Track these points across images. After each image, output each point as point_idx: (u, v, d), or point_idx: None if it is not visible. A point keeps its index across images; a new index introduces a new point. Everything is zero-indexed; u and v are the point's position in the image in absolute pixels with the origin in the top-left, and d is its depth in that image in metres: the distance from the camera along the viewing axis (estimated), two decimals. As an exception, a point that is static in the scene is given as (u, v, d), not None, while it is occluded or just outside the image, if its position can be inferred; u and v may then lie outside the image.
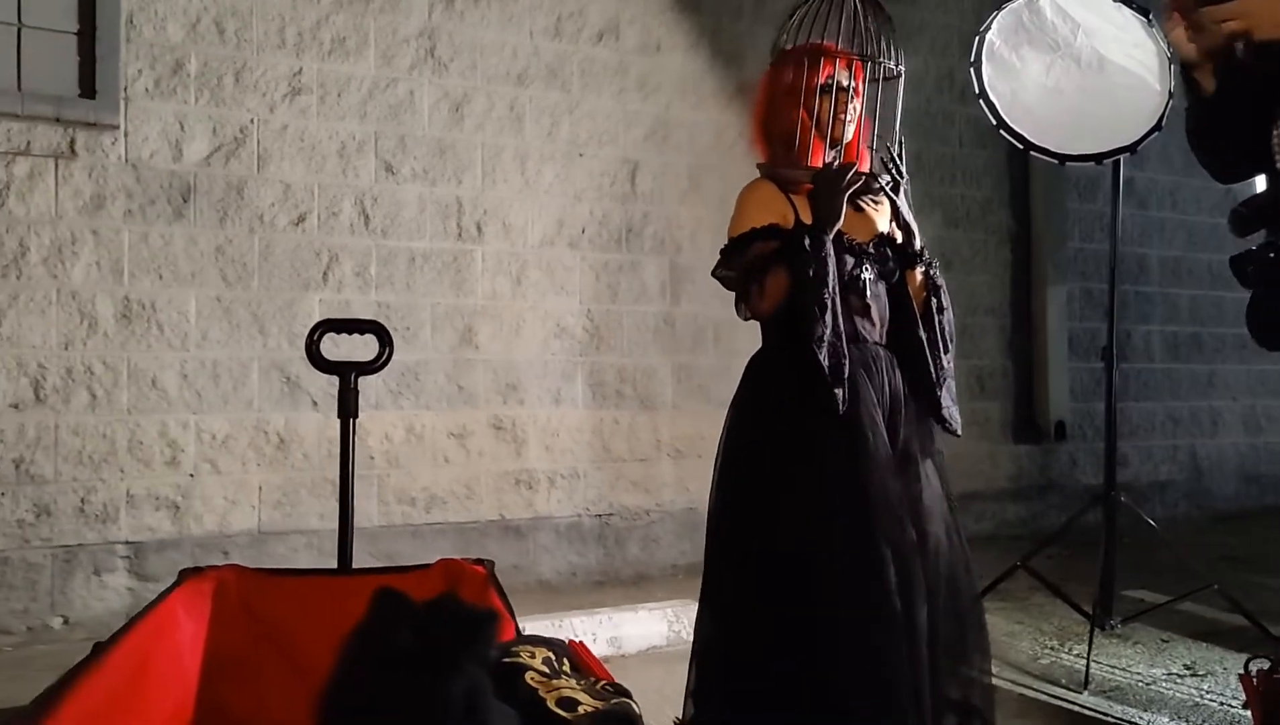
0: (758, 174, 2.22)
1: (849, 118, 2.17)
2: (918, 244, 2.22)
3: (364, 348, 2.17)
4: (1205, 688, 3.15)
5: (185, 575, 1.63)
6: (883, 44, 2.22)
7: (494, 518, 4.28)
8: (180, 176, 3.77)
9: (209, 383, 3.81)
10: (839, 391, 2.01)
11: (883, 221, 2.23)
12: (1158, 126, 3.30)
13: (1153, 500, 5.66)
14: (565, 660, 1.35)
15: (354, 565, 2.03)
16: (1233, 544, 5.31)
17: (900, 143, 2.25)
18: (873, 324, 2.17)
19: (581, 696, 1.20)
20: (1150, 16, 3.19)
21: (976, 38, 3.42)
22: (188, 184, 3.79)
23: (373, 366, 2.00)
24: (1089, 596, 3.63)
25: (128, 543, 3.68)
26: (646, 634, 3.43)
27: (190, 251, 3.79)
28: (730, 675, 2.08)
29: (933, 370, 2.16)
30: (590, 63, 4.51)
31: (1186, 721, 2.86)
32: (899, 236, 2.22)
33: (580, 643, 1.62)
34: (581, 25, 4.49)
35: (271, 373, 3.90)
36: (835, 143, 2.17)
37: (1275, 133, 1.71)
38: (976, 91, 3.44)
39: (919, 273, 2.22)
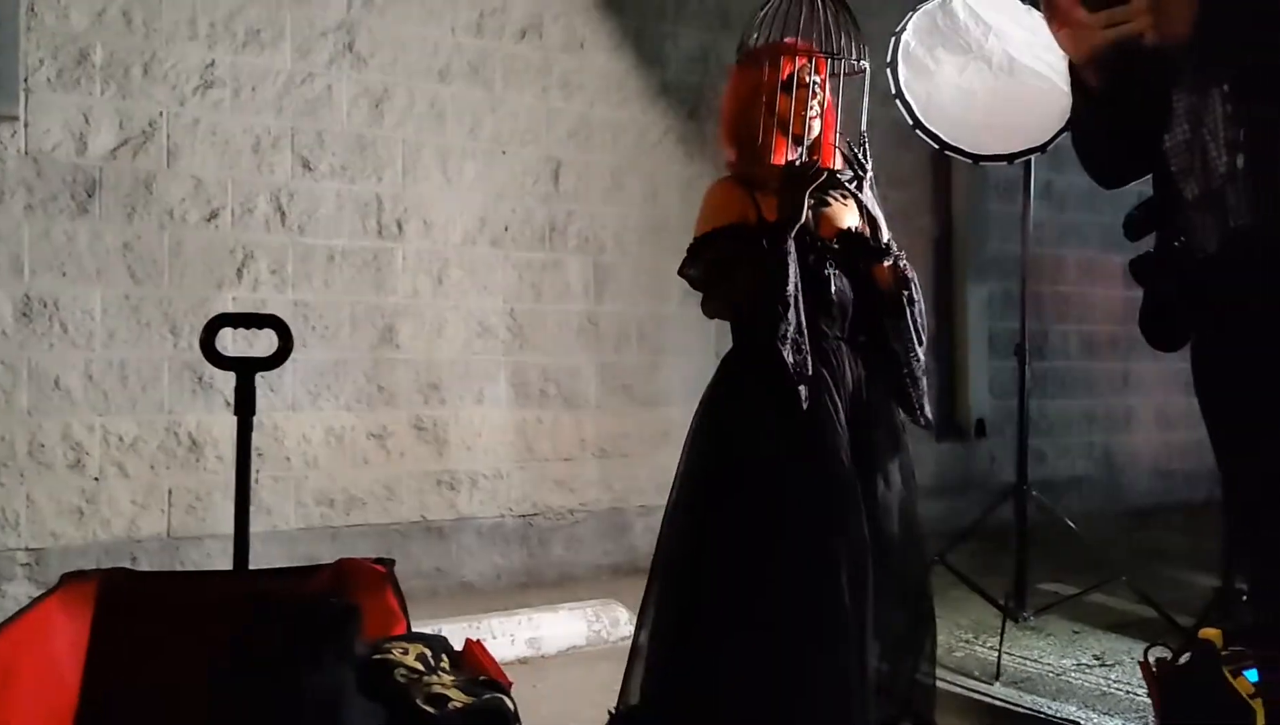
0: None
1: (813, 114, 2.20)
2: (884, 237, 2.23)
3: (268, 344, 2.12)
4: (1113, 677, 3.23)
5: (66, 579, 1.57)
6: (845, 40, 2.25)
7: (416, 519, 4.22)
8: (85, 170, 3.66)
9: (116, 383, 3.69)
10: (801, 389, 2.03)
11: (849, 217, 2.25)
12: (1066, 127, 3.36)
13: (1069, 495, 5.77)
14: (443, 657, 1.33)
15: (250, 548, 1.96)
16: (1144, 538, 5.45)
17: (864, 137, 2.27)
18: (834, 320, 2.18)
19: (453, 693, 1.18)
20: (1058, 20, 3.24)
21: (892, 39, 3.46)
22: (93, 178, 3.67)
23: (272, 362, 1.95)
24: (1004, 590, 3.70)
25: (29, 549, 3.55)
26: (567, 634, 3.41)
27: (95, 248, 3.67)
28: (679, 669, 2.08)
29: (904, 364, 2.18)
30: (513, 60, 4.48)
31: (1093, 710, 2.92)
32: (866, 231, 2.23)
33: (478, 641, 1.60)
34: (504, 22, 4.45)
35: (184, 373, 3.80)
36: (800, 140, 2.20)
37: (1166, 136, 1.73)
38: (893, 92, 3.48)
39: (887, 266, 2.22)
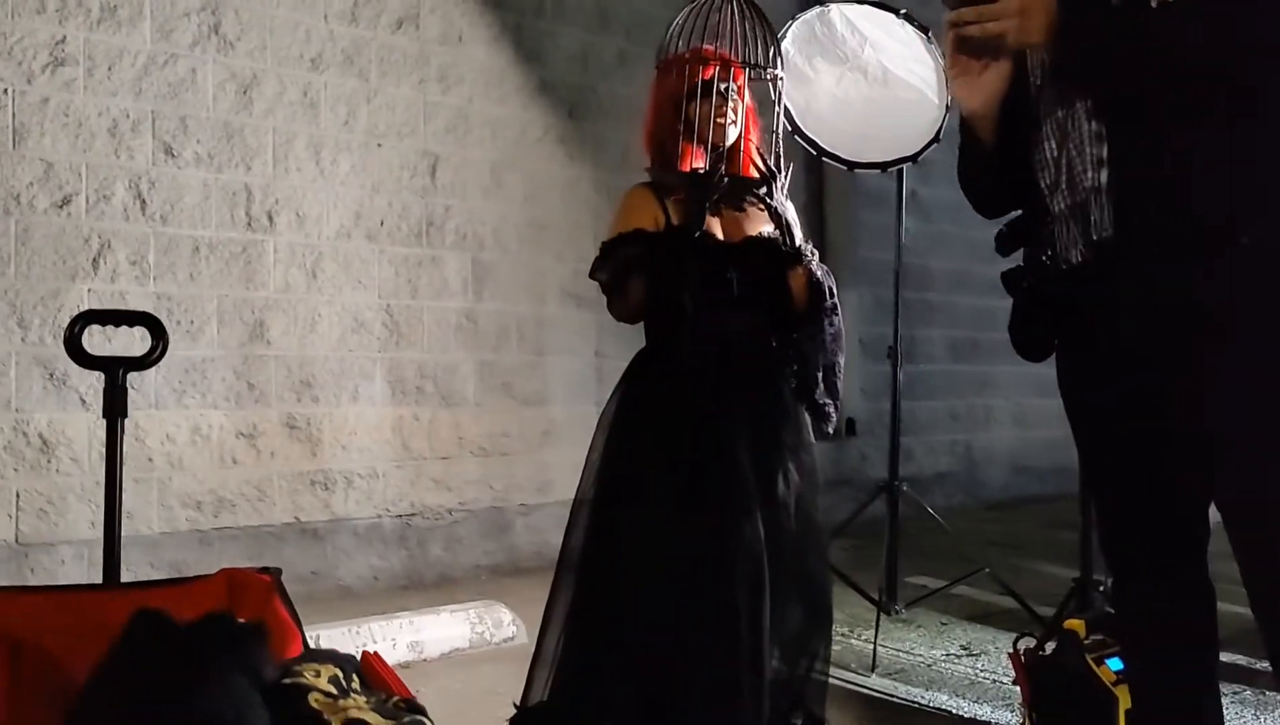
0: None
1: (727, 121, 2.21)
2: (798, 243, 2.24)
3: (136, 341, 2.00)
4: (980, 666, 3.36)
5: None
6: (760, 47, 2.28)
7: (289, 520, 4.08)
8: (-78, 152, 3.39)
9: (-43, 381, 3.44)
10: (699, 391, 2.07)
11: (761, 222, 2.26)
12: (936, 138, 3.49)
13: (934, 491, 6.00)
14: (354, 677, 1.28)
15: (130, 578, 1.87)
16: (1003, 530, 5.72)
17: (777, 143, 2.30)
18: (739, 324, 2.20)
19: (371, 717, 1.13)
20: (930, 34, 3.37)
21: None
22: (-69, 160, 3.41)
23: (145, 361, 1.84)
24: (877, 584, 3.81)
25: None
26: (449, 636, 3.35)
27: (-66, 235, 3.41)
28: (585, 669, 2.08)
29: (813, 369, 2.20)
30: (389, 51, 4.37)
31: (963, 699, 3.04)
32: (778, 237, 2.25)
33: (375, 653, 1.54)
34: (380, 10, 4.33)
35: (33, 369, 3.56)
36: (716, 146, 2.21)
37: (1035, 153, 1.80)
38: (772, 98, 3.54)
39: (800, 272, 2.24)
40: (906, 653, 3.50)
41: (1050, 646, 2.52)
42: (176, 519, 3.83)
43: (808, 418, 2.26)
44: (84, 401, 3.62)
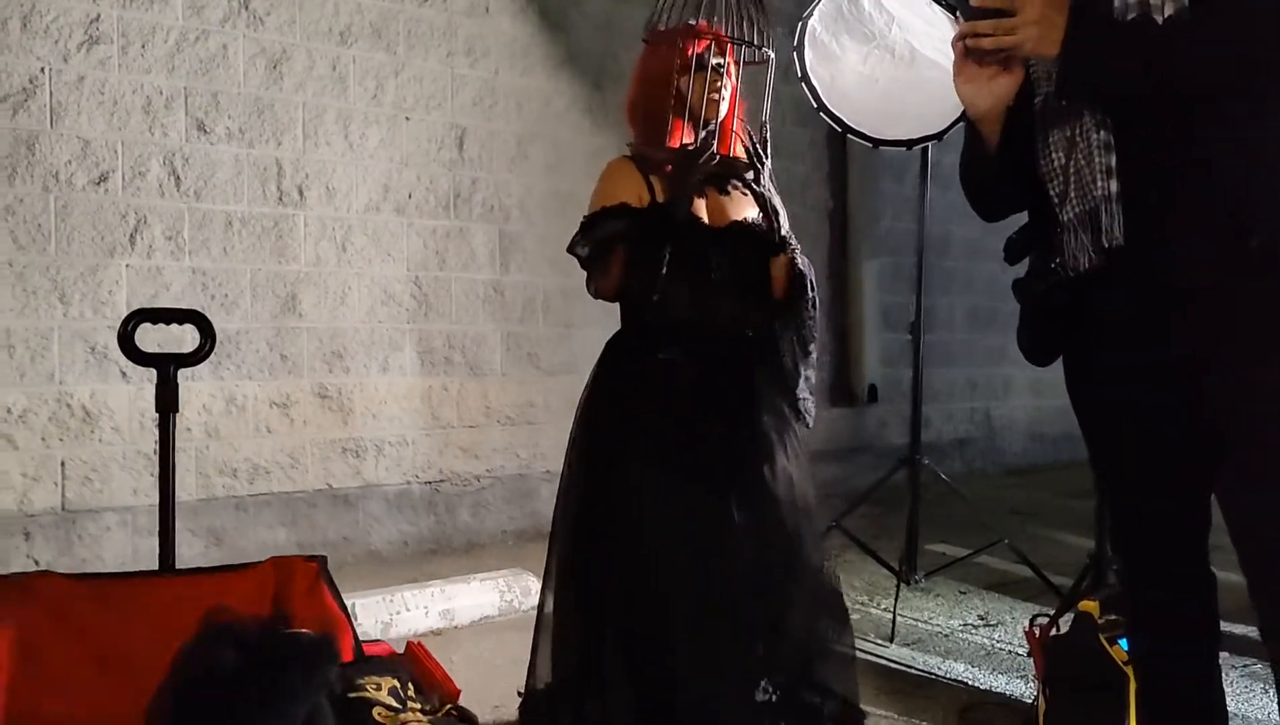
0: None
1: (719, 97, 2.14)
2: (782, 231, 2.19)
3: (183, 334, 2.08)
4: (996, 636, 3.44)
5: (-10, 584, 1.54)
6: (752, 26, 2.22)
7: (321, 487, 4.19)
8: (-37, 130, 3.47)
9: (2, 354, 3.54)
10: (672, 378, 2.07)
11: (746, 207, 2.21)
12: (962, 117, 3.49)
13: (952, 457, 6.07)
14: (410, 684, 1.35)
15: (175, 543, 1.95)
16: (1021, 498, 5.78)
17: (766, 127, 2.24)
18: (724, 309, 2.16)
19: (430, 730, 1.21)
20: (957, 14, 3.37)
21: (800, 23, 3.53)
22: (-28, 138, 3.48)
23: (194, 358, 1.92)
24: (896, 552, 3.89)
25: (-88, 528, 3.41)
26: (479, 604, 3.45)
27: (-23, 212, 3.49)
28: (574, 652, 2.12)
29: (788, 361, 2.18)
30: (417, 23, 4.39)
31: (979, 669, 3.12)
32: (762, 223, 2.19)
33: (420, 645, 1.63)
34: (408, -17, 4.36)
35: (75, 343, 3.66)
36: (706, 122, 2.14)
37: (1042, 161, 1.85)
38: (799, 75, 3.56)
39: (783, 261, 2.20)
40: (925, 622, 3.59)
41: (1065, 624, 2.60)
42: (214, 486, 3.94)
43: (790, 417, 2.22)
44: (124, 373, 3.72)
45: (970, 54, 1.76)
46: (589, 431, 2.21)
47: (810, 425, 2.26)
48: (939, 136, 3.55)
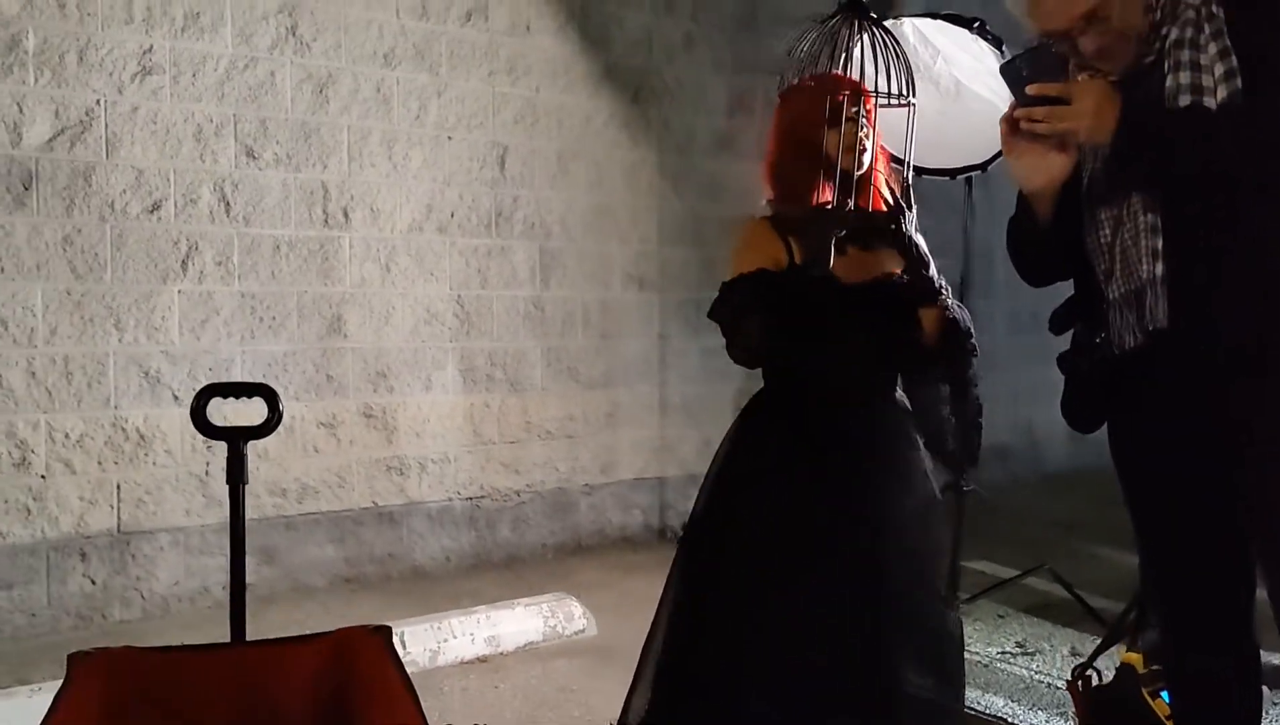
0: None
1: (860, 149, 2.08)
2: (933, 280, 2.10)
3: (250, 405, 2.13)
4: (1035, 667, 3.46)
5: (74, 661, 1.61)
6: (890, 75, 2.18)
7: (367, 505, 4.27)
8: (20, 162, 3.55)
9: (60, 380, 3.64)
10: (812, 444, 2.07)
11: (891, 262, 2.14)
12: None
13: (994, 466, 6.04)
14: None
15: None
16: (1062, 508, 5.76)
17: (907, 175, 2.18)
18: (865, 368, 2.13)
19: None
20: (1003, 48, 3.35)
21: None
22: (29, 170, 3.56)
23: (262, 431, 1.98)
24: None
25: (-24, 551, 3.52)
26: (524, 630, 3.52)
27: (34, 242, 3.58)
28: (689, 684, 2.12)
29: (950, 418, 2.16)
30: (459, 44, 4.43)
31: (1018, 704, 3.14)
32: (906, 276, 2.11)
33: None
34: (450, 4, 4.39)
35: (129, 368, 3.75)
36: (845, 177, 2.07)
37: (1089, 239, 1.87)
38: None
39: (933, 312, 2.11)
40: (966, 650, 3.60)
41: (1108, 667, 2.62)
42: (264, 506, 4.03)
43: (934, 478, 2.17)
44: (176, 397, 3.80)
45: (1023, 133, 1.78)
46: (720, 491, 2.19)
47: (971, 486, 2.20)
48: (983, 167, 3.56)
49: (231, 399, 1.97)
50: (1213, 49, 1.71)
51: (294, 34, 4.03)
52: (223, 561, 3.84)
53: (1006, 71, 1.81)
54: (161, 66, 3.78)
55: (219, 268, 3.91)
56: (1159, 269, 1.76)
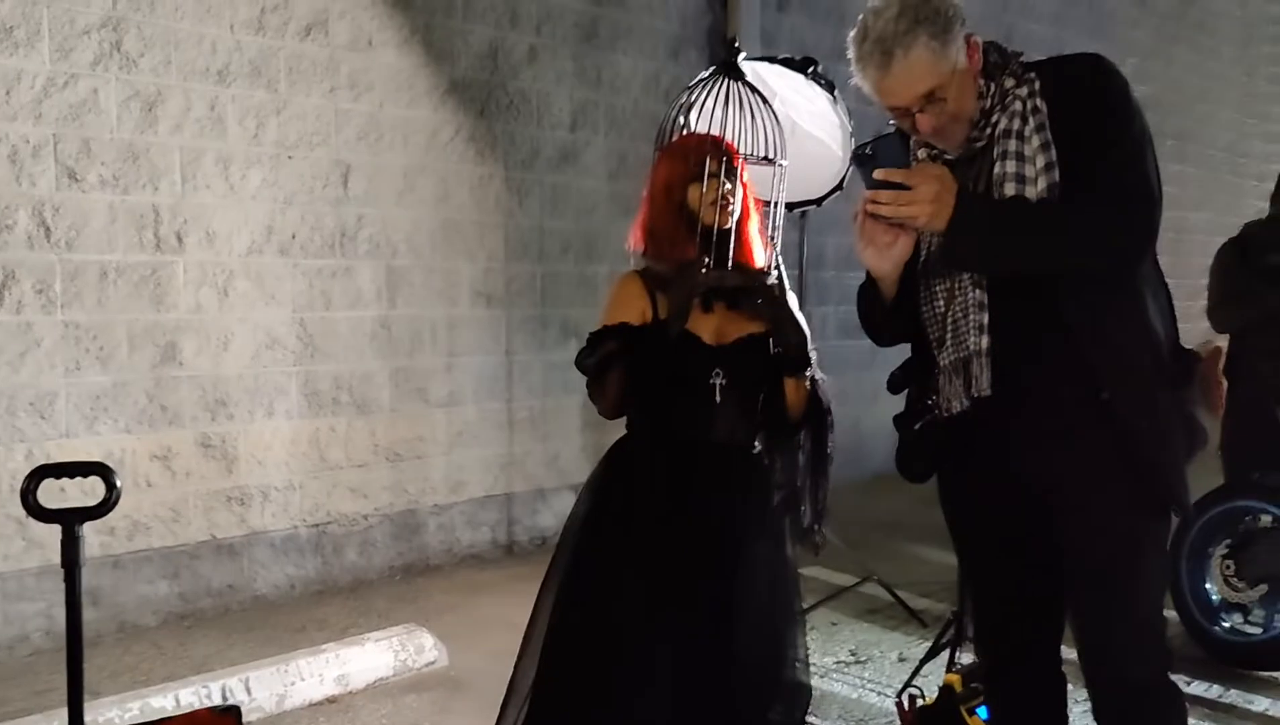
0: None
1: (725, 207, 2.12)
2: (802, 347, 2.16)
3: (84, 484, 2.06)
4: (867, 676, 3.69)
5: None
6: (762, 133, 2.23)
7: (204, 538, 4.14)
8: None
9: None
10: (665, 502, 2.12)
11: (759, 321, 2.17)
12: (838, 187, 3.69)
13: (825, 467, 6.34)
14: None
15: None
16: (885, 508, 6.08)
17: (776, 233, 2.22)
18: (723, 429, 2.15)
19: None
20: (835, 93, 3.52)
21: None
22: None
23: (99, 511, 1.92)
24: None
25: None
26: (374, 666, 3.50)
27: None
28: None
29: (800, 492, 2.21)
30: (298, 59, 4.30)
31: (849, 719, 3.34)
32: (772, 338, 2.15)
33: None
34: (288, 19, 4.26)
35: (-61, 406, 3.52)
36: (708, 232, 2.10)
37: (924, 308, 2.04)
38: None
39: (793, 382, 2.18)
40: (801, 662, 3.80)
41: (930, 691, 2.85)
42: (89, 545, 3.83)
43: (788, 532, 2.26)
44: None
45: (872, 217, 1.92)
46: (581, 544, 2.23)
47: (817, 553, 2.31)
48: (817, 202, 3.74)
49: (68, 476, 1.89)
50: (1035, 141, 1.88)
51: (119, 49, 3.83)
52: (43, 607, 3.68)
53: (856, 157, 1.93)
54: (-30, 83, 3.54)
55: (39, 297, 3.70)
56: (984, 342, 1.94)
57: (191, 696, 3.15)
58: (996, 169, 1.91)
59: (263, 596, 4.29)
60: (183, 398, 4.05)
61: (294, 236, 4.33)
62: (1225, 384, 4.35)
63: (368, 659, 3.49)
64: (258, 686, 3.20)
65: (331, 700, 3.36)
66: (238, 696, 3.19)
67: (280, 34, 4.24)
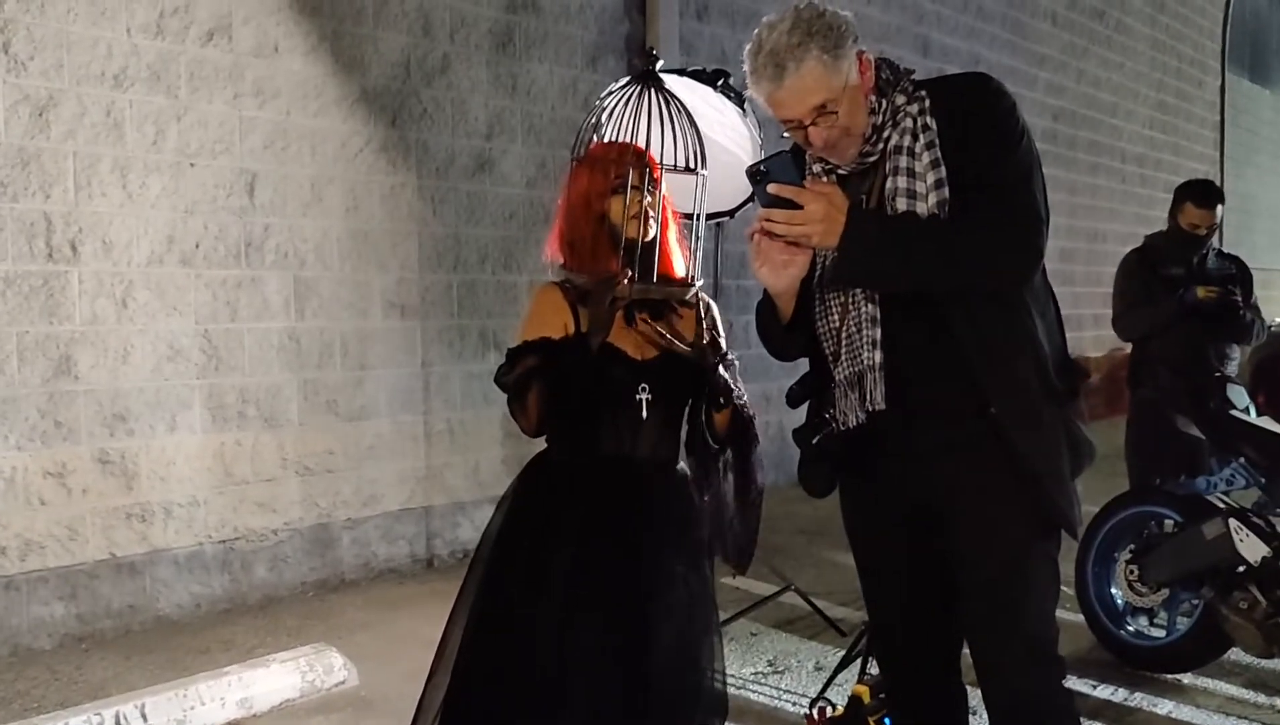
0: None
1: (644, 219, 2.09)
2: (721, 355, 2.11)
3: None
4: (784, 686, 3.68)
5: None
6: (683, 142, 2.18)
7: (103, 557, 3.99)
8: None
9: None
10: (571, 507, 2.09)
11: (683, 332, 2.12)
12: (750, 199, 3.69)
13: (747, 475, 6.36)
14: None
15: None
16: (807, 514, 6.11)
17: (697, 244, 2.18)
18: (644, 442, 2.12)
19: None
20: (746, 105, 3.52)
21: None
22: None
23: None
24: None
25: None
26: (279, 688, 3.40)
27: None
28: None
29: (727, 504, 2.17)
30: (200, 65, 4.19)
31: (764, 729, 3.34)
32: (697, 354, 2.09)
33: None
34: (189, 23, 4.14)
35: None
36: (631, 244, 2.07)
37: (821, 323, 2.03)
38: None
39: (721, 401, 2.13)
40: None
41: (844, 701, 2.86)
42: (-19, 567, 3.69)
43: (708, 550, 2.21)
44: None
45: (764, 237, 1.91)
46: (494, 562, 2.18)
47: (745, 571, 2.28)
48: (730, 214, 3.73)
49: None
50: (926, 158, 1.90)
51: (6, 51, 3.69)
52: (-67, 633, 3.51)
53: (750, 174, 1.91)
54: None
55: (-79, 309, 3.54)
56: (878, 356, 1.95)
57: (84, 723, 3.03)
58: (888, 184, 1.92)
59: (166, 616, 4.15)
60: (78, 412, 3.90)
61: (197, 246, 4.20)
62: (1128, 392, 4.46)
63: (273, 680, 3.39)
64: (154, 712, 3.09)
65: (233, 725, 3.26)
66: (133, 723, 3.08)
67: (181, 38, 4.12)
